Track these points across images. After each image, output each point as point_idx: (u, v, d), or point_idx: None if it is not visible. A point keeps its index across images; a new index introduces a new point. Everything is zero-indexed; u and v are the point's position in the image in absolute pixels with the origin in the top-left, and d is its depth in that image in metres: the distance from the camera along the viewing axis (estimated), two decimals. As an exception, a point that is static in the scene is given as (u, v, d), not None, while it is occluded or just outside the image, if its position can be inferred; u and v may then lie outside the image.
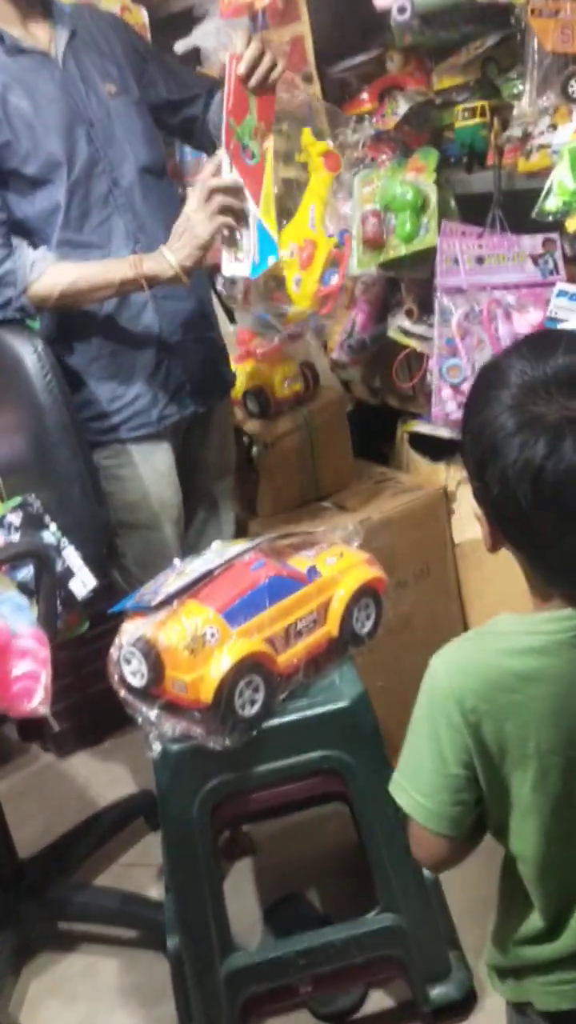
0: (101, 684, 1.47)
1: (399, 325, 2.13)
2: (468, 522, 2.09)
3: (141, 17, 2.40)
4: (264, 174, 1.70)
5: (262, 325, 2.10)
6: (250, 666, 1.33)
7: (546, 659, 0.95)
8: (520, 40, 1.94)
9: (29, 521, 1.60)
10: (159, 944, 1.72)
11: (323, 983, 1.50)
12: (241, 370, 2.12)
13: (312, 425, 2.12)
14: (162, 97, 1.89)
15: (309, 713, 1.40)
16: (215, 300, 1.99)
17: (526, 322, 1.84)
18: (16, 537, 1.59)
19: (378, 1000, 1.63)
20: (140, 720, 1.36)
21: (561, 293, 1.70)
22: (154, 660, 1.31)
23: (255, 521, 2.04)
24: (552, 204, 1.58)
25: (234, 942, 1.47)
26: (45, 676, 1.35)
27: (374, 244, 2.03)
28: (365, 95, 2.23)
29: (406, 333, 2.12)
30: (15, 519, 1.61)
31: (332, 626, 1.45)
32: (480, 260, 1.88)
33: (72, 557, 1.58)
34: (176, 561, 1.47)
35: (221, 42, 2.39)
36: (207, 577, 1.38)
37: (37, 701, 1.35)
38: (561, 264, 1.87)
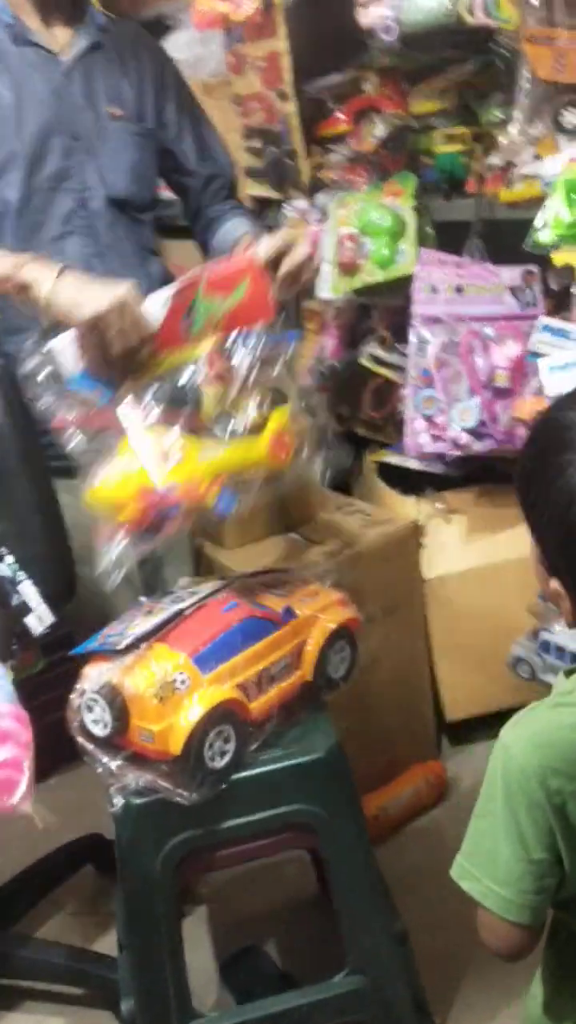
0: (48, 717, 1.38)
1: (371, 353, 2.08)
2: (438, 557, 2.04)
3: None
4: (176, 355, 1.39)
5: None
6: (221, 715, 1.25)
7: None
8: (504, 67, 1.91)
9: (-18, 552, 1.50)
10: (109, 1003, 1.62)
11: (287, 1050, 1.41)
12: (208, 394, 2.04)
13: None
14: (174, 148, 1.77)
15: (281, 765, 1.31)
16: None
17: (504, 355, 1.80)
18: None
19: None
20: (100, 771, 1.27)
21: (545, 328, 1.66)
22: (119, 708, 1.22)
23: (220, 553, 1.96)
24: (546, 237, 1.54)
25: (193, 1008, 1.38)
26: (27, 765, 1.21)
27: (349, 269, 1.97)
28: (341, 115, 2.18)
29: (378, 361, 2.07)
30: (-34, 550, 1.50)
31: (307, 670, 1.38)
32: (459, 290, 1.84)
33: (29, 592, 1.48)
34: (143, 599, 1.39)
35: (194, 54, 2.32)
36: (177, 618, 1.29)
37: (18, 796, 1.20)
38: (540, 297, 1.83)
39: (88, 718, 1.25)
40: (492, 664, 1.99)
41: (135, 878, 1.31)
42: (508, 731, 0.95)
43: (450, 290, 1.83)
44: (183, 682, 1.23)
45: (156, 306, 1.38)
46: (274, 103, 2.22)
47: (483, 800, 0.95)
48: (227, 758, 1.27)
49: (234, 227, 1.74)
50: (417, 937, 1.50)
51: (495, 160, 1.85)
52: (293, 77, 2.15)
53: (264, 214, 2.40)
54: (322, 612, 1.40)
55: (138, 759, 1.25)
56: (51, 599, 1.52)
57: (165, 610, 1.31)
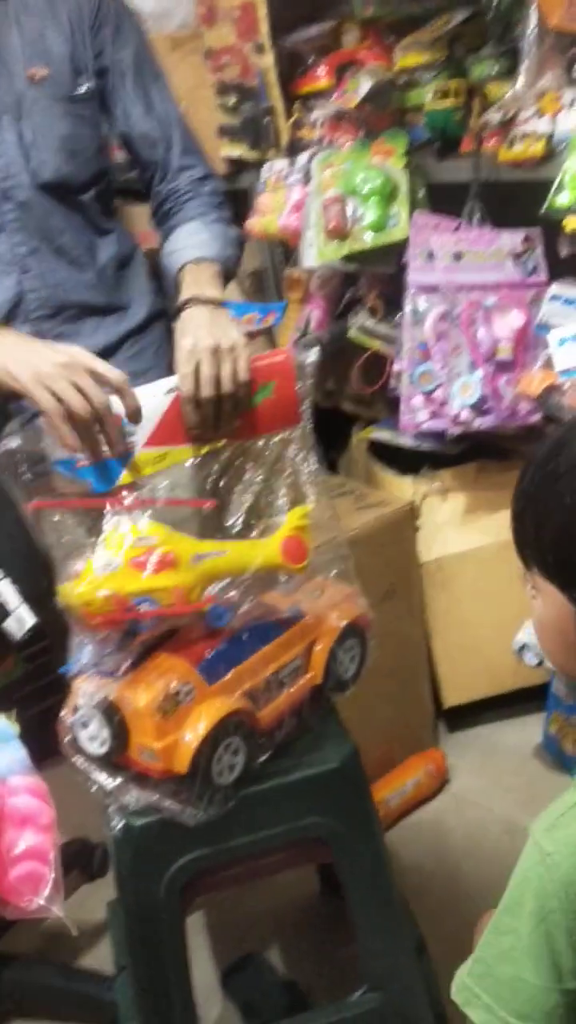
0: (31, 709, 1.28)
1: (360, 324, 1.97)
2: (435, 539, 1.94)
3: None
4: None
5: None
6: (230, 727, 1.14)
7: None
8: (496, 17, 1.79)
9: (-45, 549, 1.38)
10: (102, 1021, 1.53)
11: (301, 1073, 1.33)
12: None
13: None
14: (113, 101, 1.49)
15: (294, 777, 1.22)
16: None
17: (507, 325, 1.70)
18: None
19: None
20: (95, 790, 1.16)
21: (554, 298, 1.56)
22: (118, 726, 1.11)
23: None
24: (565, 199, 1.43)
25: (202, 1034, 1.29)
26: (53, 852, 1.02)
27: (336, 234, 1.85)
28: (321, 70, 2.05)
29: (369, 333, 1.96)
30: None
31: (317, 673, 1.28)
32: (458, 256, 1.73)
33: (7, 591, 1.36)
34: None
35: (161, 6, 2.17)
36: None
37: (45, 894, 0.98)
38: (543, 263, 1.73)
39: (83, 735, 1.14)
40: (491, 648, 1.91)
41: (137, 904, 1.21)
42: (545, 835, 0.78)
43: (448, 257, 1.72)
44: (187, 693, 1.13)
45: (155, 396, 1.24)
46: (250, 56, 2.08)
47: (505, 913, 0.80)
48: (236, 772, 1.17)
49: (183, 240, 1.45)
50: (433, 943, 1.43)
51: (493, 117, 1.73)
52: (270, 29, 2.02)
53: (239, 177, 2.27)
54: (331, 609, 1.30)
55: (139, 778, 1.15)
56: (32, 599, 1.40)
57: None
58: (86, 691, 1.14)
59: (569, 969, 0.76)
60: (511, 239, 1.72)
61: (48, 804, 1.07)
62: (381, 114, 1.94)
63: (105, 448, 1.20)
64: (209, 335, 1.27)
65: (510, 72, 1.74)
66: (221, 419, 1.27)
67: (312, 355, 1.28)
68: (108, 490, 1.19)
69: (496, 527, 1.93)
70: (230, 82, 2.13)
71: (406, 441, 1.95)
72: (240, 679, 1.17)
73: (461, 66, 1.90)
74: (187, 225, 1.46)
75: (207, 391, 1.25)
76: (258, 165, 2.16)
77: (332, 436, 2.33)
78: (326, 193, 1.87)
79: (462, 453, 1.97)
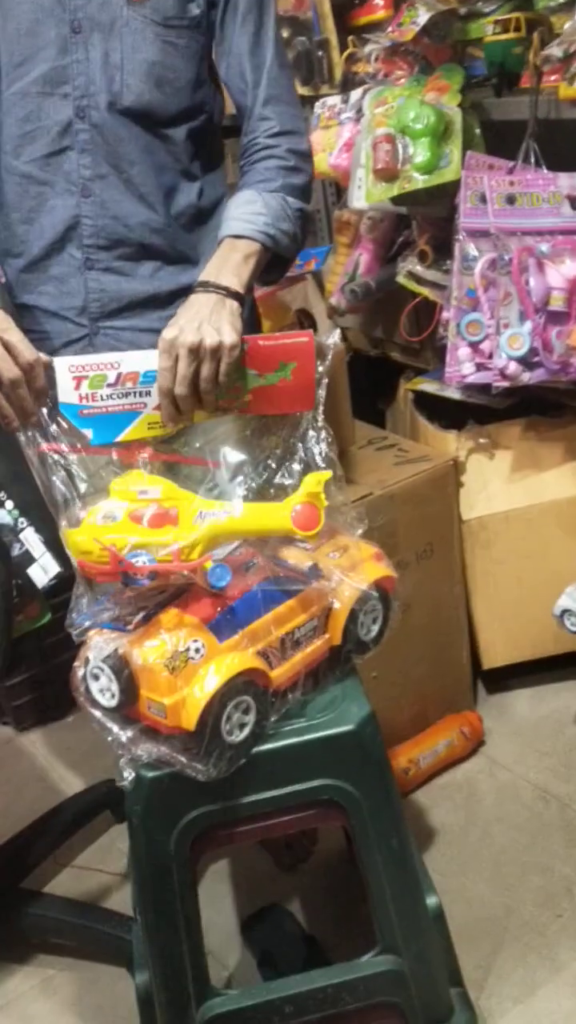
0: (65, 654, 1.27)
1: (409, 269, 1.89)
2: (479, 497, 1.88)
3: None
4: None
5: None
6: (240, 686, 1.12)
7: None
8: None
9: (-20, 497, 1.37)
10: (122, 958, 1.55)
11: (311, 1030, 1.33)
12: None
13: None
14: (219, 38, 1.40)
15: (308, 737, 1.19)
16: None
17: (561, 275, 1.61)
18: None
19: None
20: (110, 741, 1.16)
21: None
22: (126, 680, 1.10)
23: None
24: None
25: (212, 986, 1.29)
26: None
27: (386, 174, 1.77)
28: (379, 0, 1.95)
29: (417, 279, 1.88)
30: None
31: (335, 634, 1.24)
32: (511, 200, 1.64)
33: (32, 540, 1.35)
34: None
35: None
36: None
37: None
38: (603, 208, 1.63)
39: (94, 687, 1.13)
40: (533, 610, 1.86)
41: (148, 855, 1.21)
42: None
43: (500, 200, 1.63)
44: (197, 651, 1.11)
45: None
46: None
47: None
48: (247, 731, 1.15)
49: (233, 209, 1.37)
50: (446, 901, 1.41)
51: (555, 51, 1.62)
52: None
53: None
54: (352, 570, 1.26)
55: (150, 731, 1.14)
56: (56, 547, 1.39)
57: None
58: (97, 644, 1.13)
59: None
60: (569, 182, 1.63)
61: None
62: (439, 48, 1.84)
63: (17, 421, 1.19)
64: (196, 330, 1.22)
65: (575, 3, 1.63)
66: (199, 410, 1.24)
67: (334, 337, 1.23)
68: (106, 444, 1.18)
69: (544, 486, 1.86)
70: (283, 14, 2.04)
71: (453, 394, 1.88)
72: (253, 638, 1.15)
73: (527, -4, 1.79)
74: (243, 192, 1.38)
75: (181, 390, 1.22)
76: (312, 101, 2.08)
77: (381, 386, 2.27)
78: (376, 131, 1.78)
79: (512, 407, 1.90)
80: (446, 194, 1.74)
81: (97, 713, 1.15)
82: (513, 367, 1.63)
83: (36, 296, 1.44)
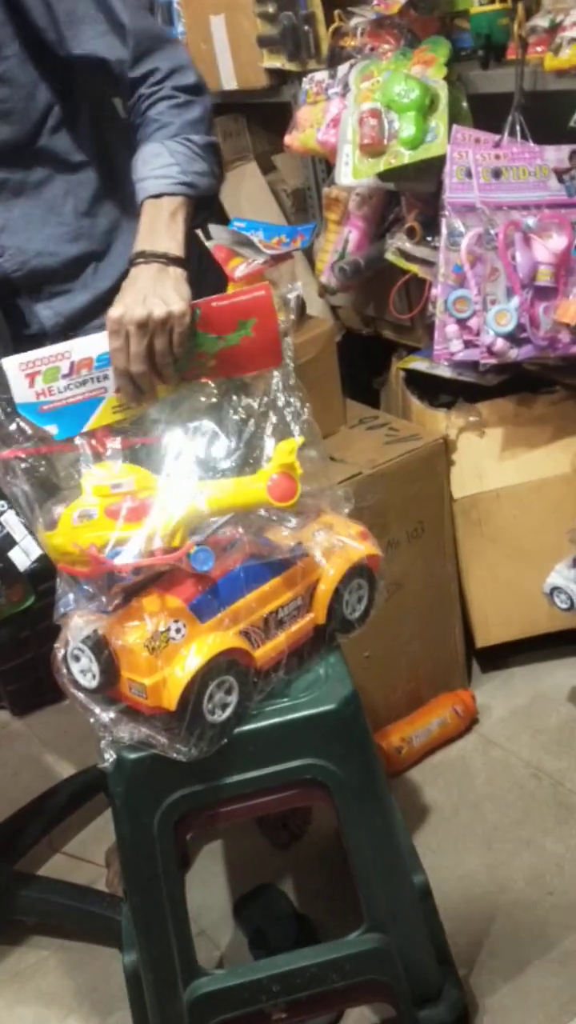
0: (51, 642, 1.27)
1: (398, 246, 1.87)
2: (469, 475, 1.87)
3: None
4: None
5: (240, 243, 1.83)
6: (222, 665, 1.12)
7: None
8: None
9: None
10: (113, 939, 1.56)
11: (299, 1009, 1.33)
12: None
13: (297, 361, 1.86)
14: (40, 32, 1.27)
15: (290, 717, 1.19)
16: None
17: (548, 249, 1.59)
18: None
19: (358, 1018, 1.47)
20: (92, 723, 1.15)
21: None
22: (106, 660, 1.10)
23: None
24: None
25: (199, 966, 1.29)
26: None
27: (372, 150, 1.75)
28: (365, -28, 1.92)
29: (406, 256, 1.86)
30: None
31: (319, 613, 1.24)
32: (497, 173, 1.62)
33: (12, 522, 1.35)
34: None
35: None
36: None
37: None
38: (591, 181, 1.61)
39: (75, 668, 1.13)
40: (526, 588, 1.85)
41: (132, 837, 1.21)
42: None
43: (486, 174, 1.61)
44: (178, 631, 1.10)
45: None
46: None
47: None
48: (229, 711, 1.15)
49: (141, 170, 1.28)
50: (437, 878, 1.41)
51: (540, 21, 1.60)
52: None
53: (281, 89, 2.17)
54: (337, 548, 1.25)
55: (132, 712, 1.14)
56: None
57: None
58: (76, 624, 1.12)
59: None
60: (556, 155, 1.61)
61: None
62: (426, 20, 1.81)
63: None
64: (142, 304, 1.18)
65: (563, -29, 1.60)
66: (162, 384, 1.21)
67: (296, 290, 1.20)
68: (71, 437, 1.15)
69: (535, 464, 1.85)
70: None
71: (443, 371, 1.87)
72: (235, 617, 1.14)
73: (514, -35, 1.76)
74: (146, 147, 1.29)
75: (136, 368, 1.19)
76: (300, 77, 2.06)
77: (375, 365, 2.26)
78: (362, 106, 1.76)
79: (504, 385, 1.89)
80: (433, 169, 1.72)
81: (79, 695, 1.15)
82: (500, 343, 1.61)
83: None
